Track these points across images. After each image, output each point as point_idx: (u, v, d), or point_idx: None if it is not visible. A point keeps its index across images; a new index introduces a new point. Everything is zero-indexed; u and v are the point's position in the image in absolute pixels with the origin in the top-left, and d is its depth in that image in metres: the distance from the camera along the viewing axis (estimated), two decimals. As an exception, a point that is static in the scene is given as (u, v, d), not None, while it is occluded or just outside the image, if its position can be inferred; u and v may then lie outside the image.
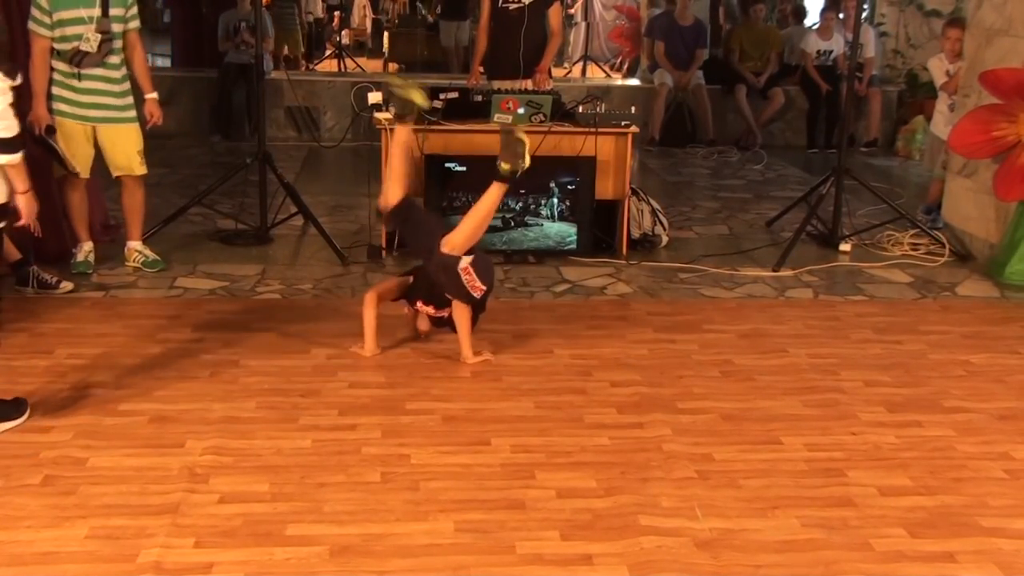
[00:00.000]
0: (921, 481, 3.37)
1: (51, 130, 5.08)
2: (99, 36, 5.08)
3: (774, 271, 5.78)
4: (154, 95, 5.42)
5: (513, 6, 6.44)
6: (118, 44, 5.20)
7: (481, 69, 6.74)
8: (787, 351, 4.55)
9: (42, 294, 4.98)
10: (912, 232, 6.37)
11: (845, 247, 6.24)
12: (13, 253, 5.00)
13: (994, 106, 5.80)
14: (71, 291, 5.05)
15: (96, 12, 5.06)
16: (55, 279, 5.04)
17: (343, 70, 12.83)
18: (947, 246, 6.16)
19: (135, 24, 5.29)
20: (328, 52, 14.45)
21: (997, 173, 5.83)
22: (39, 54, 5.04)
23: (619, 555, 2.87)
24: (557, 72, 13.84)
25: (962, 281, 5.73)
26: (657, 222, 6.23)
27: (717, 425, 3.77)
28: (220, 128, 9.81)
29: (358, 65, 13.41)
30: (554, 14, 6.64)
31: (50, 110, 5.10)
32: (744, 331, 4.80)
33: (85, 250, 5.40)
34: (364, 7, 16.53)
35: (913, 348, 4.64)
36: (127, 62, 5.32)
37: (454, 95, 5.83)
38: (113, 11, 5.13)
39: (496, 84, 6.37)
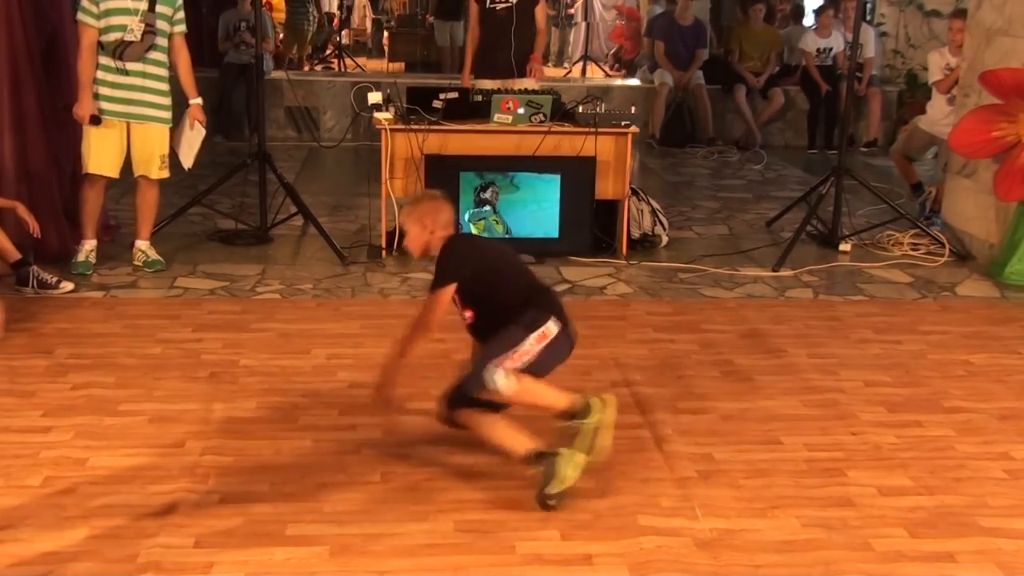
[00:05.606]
0: (921, 481, 3.37)
1: (96, 120, 5.15)
2: (143, 26, 5.13)
3: (774, 271, 5.78)
4: (199, 100, 5.51)
5: (501, 6, 6.45)
6: (162, 42, 5.26)
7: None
8: (787, 351, 4.55)
9: (42, 294, 4.98)
10: (912, 232, 6.37)
11: (845, 247, 6.24)
12: (13, 253, 5.00)
13: (994, 106, 5.80)
14: (71, 291, 5.05)
15: (143, 6, 5.13)
16: (55, 279, 5.04)
17: (343, 70, 12.82)
18: (947, 246, 6.16)
19: (181, 28, 5.35)
20: (328, 52, 14.45)
21: (997, 173, 5.83)
22: (87, 46, 5.12)
23: (619, 555, 2.87)
24: (557, 72, 13.89)
25: (962, 281, 5.73)
26: (657, 222, 6.23)
27: (717, 425, 3.77)
28: (220, 128, 9.80)
29: (358, 65, 13.41)
30: (540, 12, 6.66)
31: None
32: (744, 331, 4.79)
33: (87, 249, 5.40)
34: (364, 7, 16.51)
35: (913, 348, 4.63)
36: (172, 66, 5.38)
37: (454, 95, 5.83)
38: (160, 8, 5.20)
39: (485, 84, 6.35)
